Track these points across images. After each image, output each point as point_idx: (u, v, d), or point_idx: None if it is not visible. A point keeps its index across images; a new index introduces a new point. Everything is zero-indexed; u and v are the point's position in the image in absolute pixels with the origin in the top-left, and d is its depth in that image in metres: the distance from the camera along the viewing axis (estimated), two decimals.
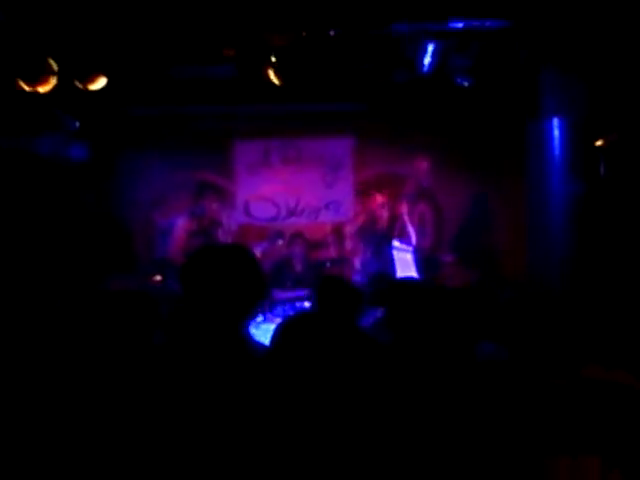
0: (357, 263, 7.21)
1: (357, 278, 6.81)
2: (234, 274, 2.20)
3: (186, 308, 2.23)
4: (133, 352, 2.76)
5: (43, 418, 2.40)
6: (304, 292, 6.50)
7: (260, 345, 2.48)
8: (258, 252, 7.11)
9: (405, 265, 6.72)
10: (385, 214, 7.29)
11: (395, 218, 7.19)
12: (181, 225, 7.16)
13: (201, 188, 7.43)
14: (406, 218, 7.16)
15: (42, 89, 5.87)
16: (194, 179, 7.88)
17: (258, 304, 2.27)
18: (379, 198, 7.35)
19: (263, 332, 4.82)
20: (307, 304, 6.13)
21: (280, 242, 7.66)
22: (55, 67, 5.83)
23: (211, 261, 2.24)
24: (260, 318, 5.89)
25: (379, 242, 7.12)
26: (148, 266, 7.76)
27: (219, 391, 2.02)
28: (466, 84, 6.24)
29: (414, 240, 7.05)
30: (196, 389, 2.02)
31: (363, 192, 7.84)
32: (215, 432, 1.99)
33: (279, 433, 2.04)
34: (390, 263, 6.76)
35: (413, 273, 6.69)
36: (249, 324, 2.27)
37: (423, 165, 7.52)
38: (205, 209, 7.24)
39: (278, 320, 6.31)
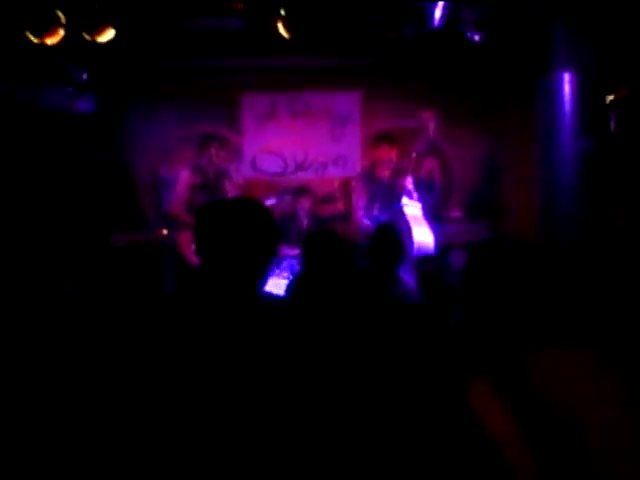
0: (364, 218, 7.15)
1: (363, 233, 6.77)
2: (250, 228, 2.20)
3: (202, 263, 2.23)
4: (148, 305, 2.78)
5: (58, 373, 2.43)
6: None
7: (275, 300, 2.49)
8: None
9: (417, 221, 6.71)
10: (390, 168, 7.20)
11: (399, 173, 7.11)
12: (183, 179, 7.02)
13: (205, 140, 7.27)
14: (410, 173, 7.08)
15: (50, 41, 5.81)
16: (197, 132, 7.74)
17: (274, 258, 2.27)
18: (386, 152, 7.27)
19: (270, 287, 4.83)
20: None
21: (288, 198, 7.63)
22: (63, 19, 5.78)
23: (227, 215, 2.23)
24: None
25: (385, 197, 7.06)
26: (155, 220, 7.76)
27: (238, 346, 2.04)
28: (476, 38, 6.17)
29: (415, 196, 6.99)
30: (217, 345, 2.04)
31: (371, 146, 7.78)
32: (233, 385, 2.01)
33: (300, 390, 2.06)
34: (398, 218, 6.71)
35: (426, 228, 6.68)
36: (266, 279, 2.28)
37: (431, 119, 7.44)
38: (210, 161, 7.08)
39: (285, 274, 6.38)
